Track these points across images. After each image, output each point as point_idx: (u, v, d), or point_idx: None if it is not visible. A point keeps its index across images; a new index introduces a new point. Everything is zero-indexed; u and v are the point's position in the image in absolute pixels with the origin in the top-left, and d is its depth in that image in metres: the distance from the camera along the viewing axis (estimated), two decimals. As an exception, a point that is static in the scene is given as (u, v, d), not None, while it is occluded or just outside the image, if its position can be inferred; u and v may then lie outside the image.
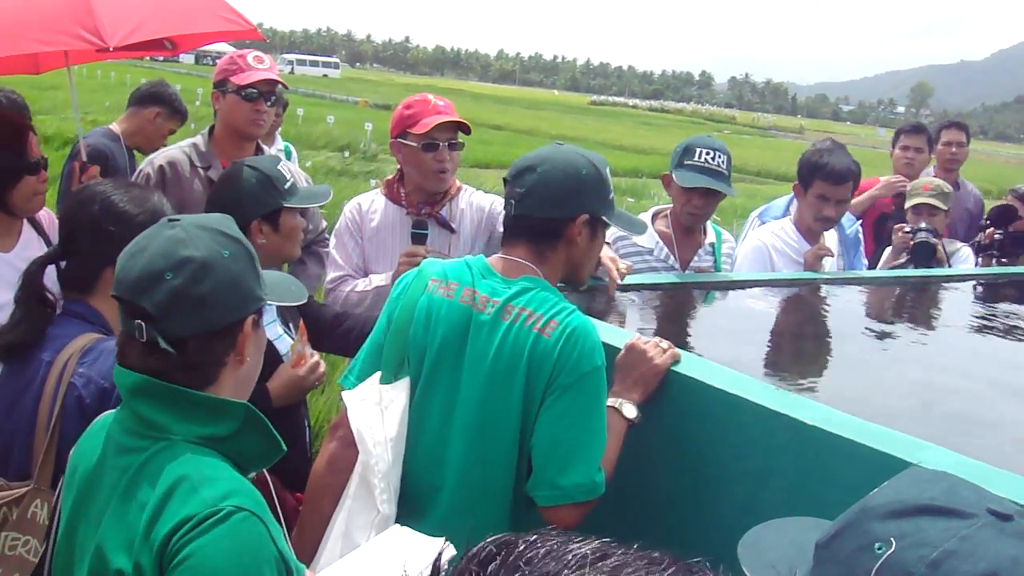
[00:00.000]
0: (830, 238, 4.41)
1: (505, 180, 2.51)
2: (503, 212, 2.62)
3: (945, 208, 4.96)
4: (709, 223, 4.01)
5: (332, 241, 3.85)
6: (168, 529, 1.57)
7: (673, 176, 3.71)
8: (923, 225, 4.73)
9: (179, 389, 1.73)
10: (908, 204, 5.04)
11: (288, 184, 3.15)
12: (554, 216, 2.45)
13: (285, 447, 1.83)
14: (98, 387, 2.29)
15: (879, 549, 1.01)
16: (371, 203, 3.81)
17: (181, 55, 44.78)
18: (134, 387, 1.74)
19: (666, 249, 3.82)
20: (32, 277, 2.44)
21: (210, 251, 1.75)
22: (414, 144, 3.62)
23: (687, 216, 3.78)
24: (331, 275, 3.78)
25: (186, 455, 1.68)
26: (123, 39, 3.60)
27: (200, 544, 1.55)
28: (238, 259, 1.78)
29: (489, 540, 0.88)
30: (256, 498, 1.67)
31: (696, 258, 3.86)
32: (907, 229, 4.73)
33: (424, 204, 3.72)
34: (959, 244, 5.18)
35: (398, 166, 3.78)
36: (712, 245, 3.91)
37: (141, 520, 1.61)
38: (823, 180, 4.11)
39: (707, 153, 3.66)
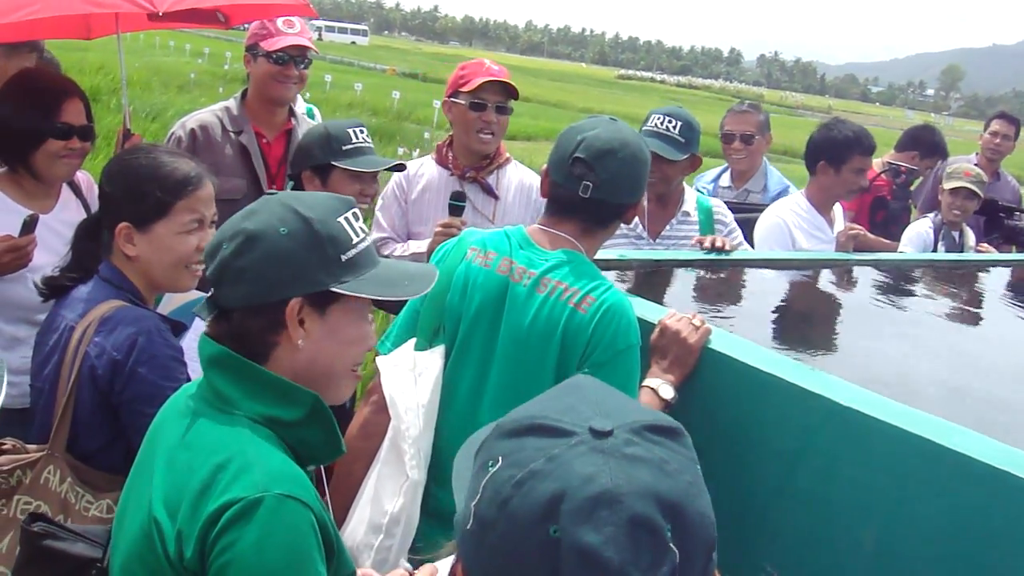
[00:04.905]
0: (836, 212, 4.52)
1: (577, 158, 2.41)
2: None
3: (981, 196, 5.23)
4: (692, 192, 4.01)
5: (379, 203, 3.92)
6: (214, 508, 1.56)
7: None
8: None
9: (251, 364, 1.72)
10: (948, 186, 5.24)
11: (349, 147, 3.20)
12: (629, 201, 2.48)
13: (344, 449, 1.82)
14: (110, 359, 2.27)
15: (491, 466, 1.04)
16: (419, 167, 3.90)
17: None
18: (210, 358, 1.74)
19: (636, 218, 3.79)
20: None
21: (266, 225, 1.70)
22: (463, 103, 3.71)
23: None
24: (374, 236, 3.84)
25: (245, 432, 1.66)
26: (173, 5, 3.56)
27: (241, 532, 1.54)
28: (296, 237, 1.69)
29: None
30: (304, 483, 1.65)
31: (668, 228, 3.85)
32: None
33: (469, 168, 3.78)
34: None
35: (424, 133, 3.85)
36: (686, 213, 3.87)
37: (190, 486, 1.60)
38: (863, 155, 4.25)
39: (658, 118, 3.70)
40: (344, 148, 3.37)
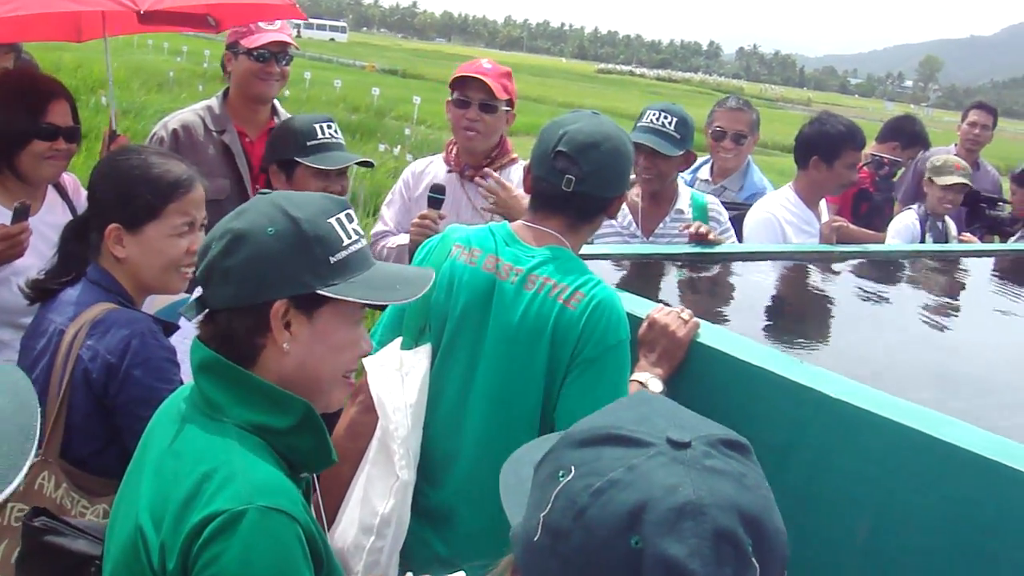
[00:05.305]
0: (820, 205, 4.52)
1: (560, 152, 2.39)
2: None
3: (971, 187, 5.49)
4: (686, 189, 4.00)
5: (387, 198, 3.97)
6: (197, 521, 1.53)
7: None
8: None
9: (241, 371, 1.68)
10: (941, 182, 5.39)
11: (315, 142, 3.16)
12: (613, 195, 2.47)
13: (336, 457, 1.78)
14: (104, 362, 2.25)
15: (561, 476, 1.03)
16: (428, 164, 3.93)
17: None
18: (200, 363, 1.71)
19: (630, 216, 3.82)
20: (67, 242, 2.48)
21: (254, 225, 1.67)
22: (450, 100, 3.73)
23: (639, 178, 3.78)
24: (375, 229, 3.90)
25: (232, 441, 1.63)
26: (155, 3, 3.54)
27: (224, 546, 1.51)
28: (283, 238, 1.65)
29: None
30: (290, 495, 1.61)
31: (661, 225, 3.85)
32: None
33: (469, 166, 3.77)
34: None
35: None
36: (680, 210, 3.86)
37: (174, 496, 1.57)
38: (855, 149, 4.26)
39: (654, 114, 3.70)
40: (309, 144, 3.32)
